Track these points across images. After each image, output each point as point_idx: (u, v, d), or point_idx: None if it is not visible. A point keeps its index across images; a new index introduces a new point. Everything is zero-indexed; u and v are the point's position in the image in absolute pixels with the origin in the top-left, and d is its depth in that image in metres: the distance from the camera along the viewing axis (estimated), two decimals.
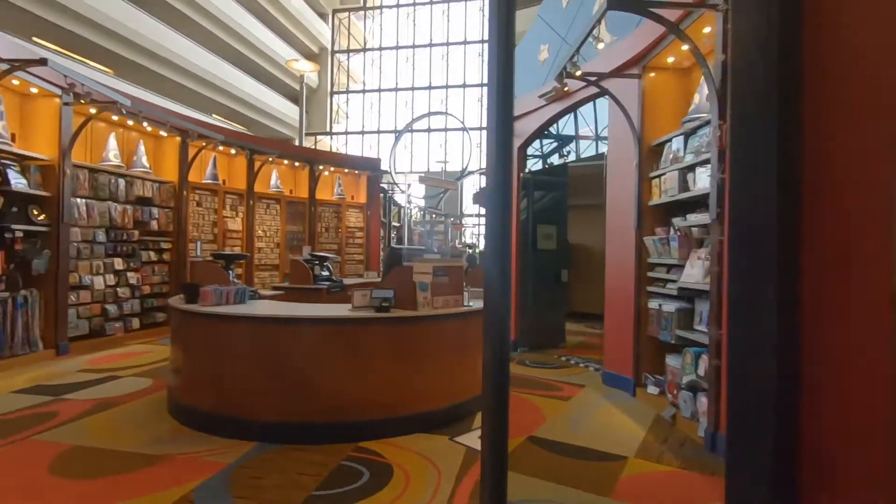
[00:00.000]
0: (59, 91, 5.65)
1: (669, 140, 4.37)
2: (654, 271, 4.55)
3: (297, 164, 9.56)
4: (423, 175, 17.57)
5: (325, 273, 6.64)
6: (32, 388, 4.50)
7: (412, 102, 26.87)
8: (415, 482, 2.82)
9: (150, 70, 16.44)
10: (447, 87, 25.96)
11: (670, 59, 4.43)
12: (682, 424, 3.78)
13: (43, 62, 4.59)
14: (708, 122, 3.68)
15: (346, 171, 10.47)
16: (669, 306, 4.14)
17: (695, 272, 3.81)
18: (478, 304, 4.08)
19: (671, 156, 4.30)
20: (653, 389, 4.42)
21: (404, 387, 3.56)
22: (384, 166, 11.29)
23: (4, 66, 4.68)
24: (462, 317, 3.88)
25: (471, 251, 11.84)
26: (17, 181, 5.38)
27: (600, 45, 4.12)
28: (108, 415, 3.83)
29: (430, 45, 26.35)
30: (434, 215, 16.28)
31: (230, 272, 4.32)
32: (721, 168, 3.34)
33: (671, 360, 4.16)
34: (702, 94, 3.96)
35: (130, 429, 3.55)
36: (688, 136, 4.09)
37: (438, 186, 14.18)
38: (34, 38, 12.22)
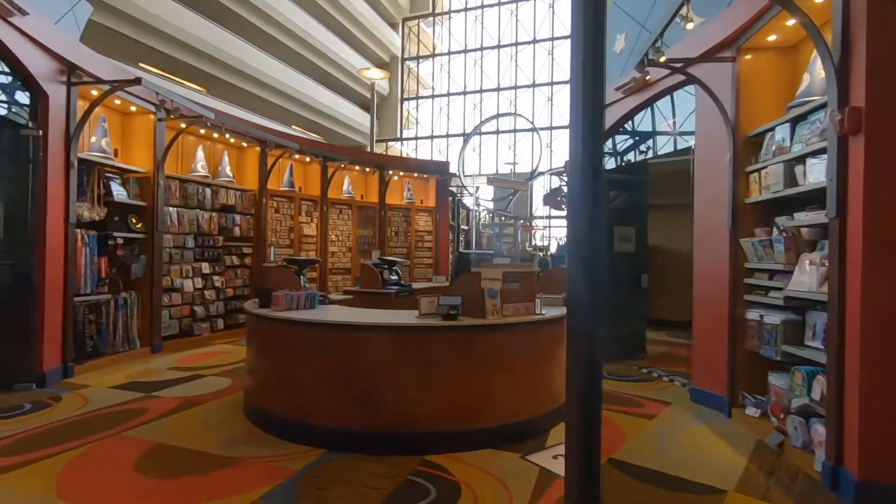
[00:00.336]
0: (153, 108, 6.10)
1: (772, 129, 3.85)
2: (753, 277, 4.03)
3: (367, 169, 9.75)
4: (491, 176, 17.34)
5: (394, 277, 6.64)
6: (129, 384, 4.85)
7: (480, 105, 26.81)
8: None
9: (237, 87, 17.67)
10: (515, 87, 25.57)
11: (771, 38, 3.91)
12: (792, 455, 3.28)
13: (137, 82, 4.96)
14: (822, 106, 3.18)
15: (416, 175, 10.52)
16: (773, 318, 3.64)
17: (806, 279, 3.30)
18: (552, 312, 3.83)
19: (774, 147, 3.79)
20: (752, 411, 3.91)
21: (472, 399, 3.39)
22: (452, 169, 11.22)
23: (106, 87, 5.10)
24: (534, 326, 3.64)
25: (541, 254, 11.45)
26: (119, 192, 5.87)
27: (689, 26, 3.72)
28: (190, 414, 4.00)
29: (499, 46, 26.11)
30: (503, 218, 16.02)
31: (302, 277, 4.39)
32: (842, 158, 2.85)
33: (775, 380, 3.65)
34: (813, 74, 3.44)
35: (208, 429, 3.68)
36: (795, 123, 3.57)
37: (508, 188, 13.88)
38: (140, 64, 13.53)
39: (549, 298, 4.08)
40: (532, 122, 22.47)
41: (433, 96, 28.11)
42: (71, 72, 4.98)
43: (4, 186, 4.68)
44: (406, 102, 28.50)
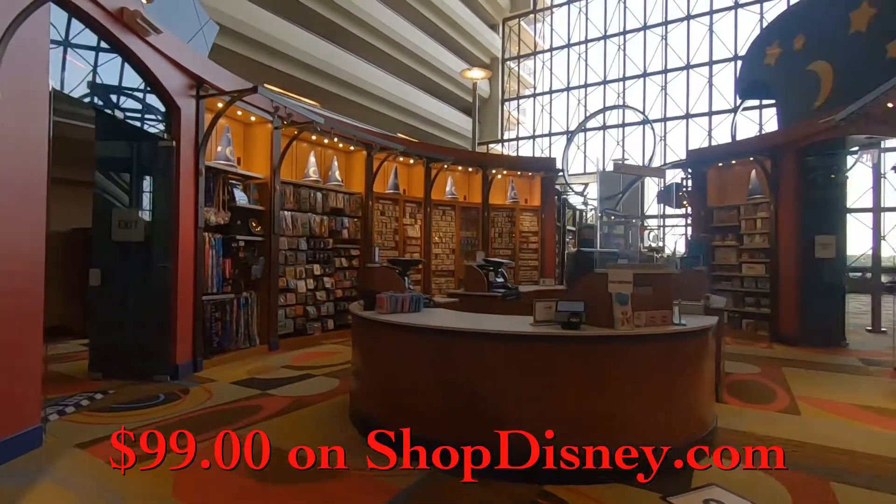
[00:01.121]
0: (270, 117, 6.42)
1: None
2: None
3: (470, 169, 9.53)
4: (620, 161, 16.23)
5: (500, 280, 6.28)
6: (248, 380, 5.05)
7: (585, 101, 25.51)
8: None
9: (347, 99, 18.62)
10: (623, 78, 23.90)
11: None
12: None
13: (254, 90, 5.18)
14: None
15: (519, 173, 10.09)
16: None
17: None
18: (694, 322, 3.20)
19: None
20: None
21: (599, 422, 2.90)
22: (559, 166, 10.58)
23: (227, 98, 5.41)
24: (673, 338, 3.05)
25: (657, 255, 10.36)
26: (241, 197, 6.24)
27: None
28: (300, 416, 3.99)
29: (605, 37, 24.65)
30: (612, 217, 14.94)
31: (406, 278, 4.22)
32: None
33: None
34: None
35: (316, 433, 3.60)
36: None
37: (639, 175, 12.72)
38: (265, 84, 14.75)
39: (689, 306, 3.43)
40: (644, 114, 20.86)
41: (534, 95, 27.34)
42: (199, 86, 5.35)
43: (146, 195, 5.14)
44: (507, 104, 28.10)
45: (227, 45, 13.16)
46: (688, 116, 20.89)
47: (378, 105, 20.12)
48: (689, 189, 9.44)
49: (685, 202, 10.50)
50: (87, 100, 4.17)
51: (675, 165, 11.45)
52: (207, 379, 5.05)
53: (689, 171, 9.20)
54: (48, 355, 5.49)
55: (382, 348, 3.50)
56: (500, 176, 9.77)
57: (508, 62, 28.23)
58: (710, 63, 20.04)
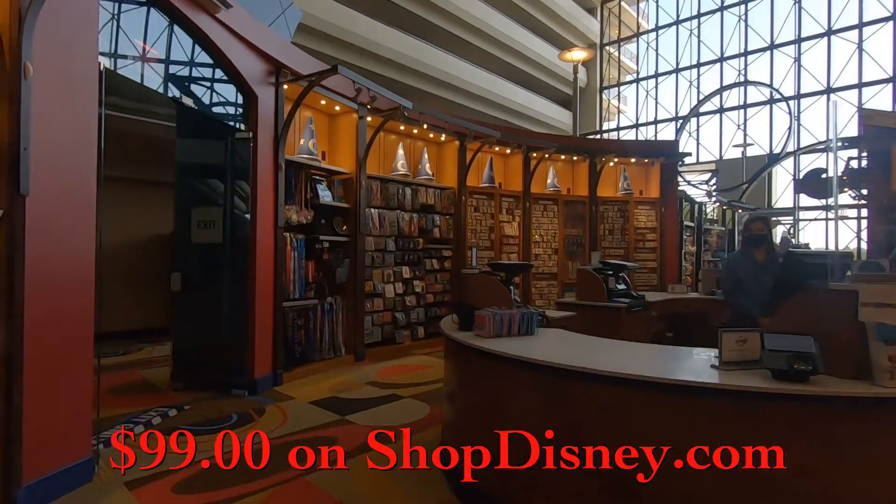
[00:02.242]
0: (355, 106, 5.84)
1: None
2: None
3: (575, 157, 8.35)
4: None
5: (622, 287, 5.13)
6: (328, 399, 4.45)
7: (697, 82, 22.68)
8: None
9: (435, 95, 18.10)
10: (745, 53, 20.82)
11: None
12: None
13: (334, 70, 4.58)
14: None
15: (633, 160, 8.70)
16: None
17: None
18: None
19: None
20: None
21: None
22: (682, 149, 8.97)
23: (305, 84, 4.87)
24: None
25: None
26: (325, 194, 5.72)
27: None
28: (380, 457, 3.22)
29: (721, 8, 21.72)
30: (740, 210, 12.79)
31: (512, 288, 3.30)
32: None
33: None
34: None
35: (399, 488, 2.82)
36: None
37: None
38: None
39: None
40: (776, 90, 17.99)
41: (637, 80, 24.94)
42: (278, 72, 4.87)
43: (223, 192, 4.74)
44: (605, 93, 26.01)
45: (306, 44, 13.14)
46: (829, 91, 17.54)
47: (468, 100, 19.37)
48: (860, 170, 7.43)
49: (846, 188, 8.40)
50: (160, 90, 3.79)
51: (845, 142, 9.27)
52: (286, 396, 4.53)
53: (863, 149, 7.21)
54: (137, 358, 5.49)
55: (486, 388, 2.60)
56: (611, 164, 8.47)
57: (608, 47, 26.11)
58: (860, 25, 16.61)
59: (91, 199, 2.85)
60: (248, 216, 4.62)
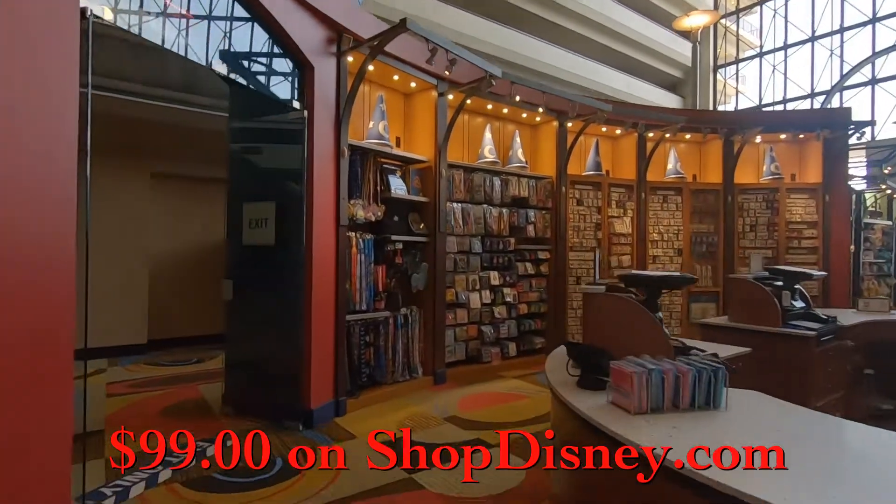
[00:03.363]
0: (433, 81, 4.89)
1: None
2: None
3: (706, 136, 6.70)
4: None
5: (800, 304, 3.61)
6: (396, 441, 3.51)
7: (840, 50, 18.94)
8: None
9: None
10: None
11: None
12: None
13: (402, 25, 3.63)
14: None
15: (783, 136, 6.84)
16: None
17: None
18: None
19: None
20: None
21: None
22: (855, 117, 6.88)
23: (366, 50, 4.00)
24: None
25: None
26: (398, 187, 4.84)
27: None
28: None
29: None
30: None
31: (659, 316, 2.07)
32: None
33: None
34: None
35: None
36: None
37: None
38: None
39: None
40: None
41: (761, 54, 21.55)
42: (339, 38, 4.04)
43: (274, 183, 4.00)
44: (721, 71, 22.85)
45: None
46: None
47: (562, 87, 17.84)
48: None
49: None
50: (203, 63, 3.10)
51: None
52: (346, 433, 3.66)
53: None
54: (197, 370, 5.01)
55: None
56: (757, 139, 6.68)
57: (724, 20, 22.91)
58: None
59: (68, 194, 2.12)
60: (301, 212, 3.83)
